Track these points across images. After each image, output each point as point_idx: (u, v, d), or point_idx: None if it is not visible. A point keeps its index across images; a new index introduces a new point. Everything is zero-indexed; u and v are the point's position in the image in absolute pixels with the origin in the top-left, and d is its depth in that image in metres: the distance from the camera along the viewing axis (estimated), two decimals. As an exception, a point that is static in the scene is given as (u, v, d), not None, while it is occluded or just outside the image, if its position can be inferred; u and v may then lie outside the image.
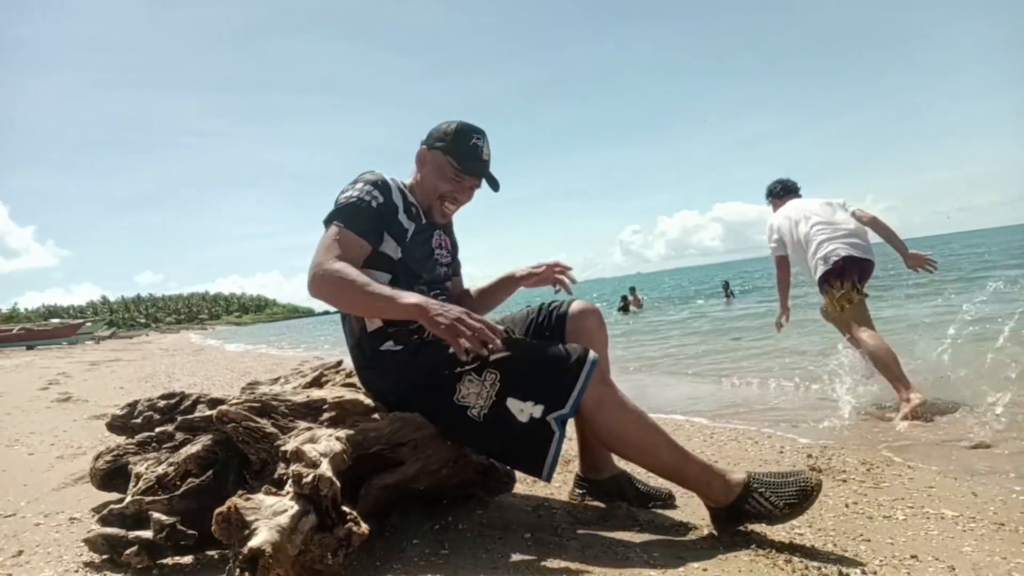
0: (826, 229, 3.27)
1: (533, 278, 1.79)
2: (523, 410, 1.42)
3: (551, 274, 1.76)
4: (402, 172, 1.74)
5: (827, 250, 3.21)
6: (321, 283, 1.44)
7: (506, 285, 1.84)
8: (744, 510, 1.43)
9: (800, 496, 1.40)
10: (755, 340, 6.68)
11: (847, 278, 3.16)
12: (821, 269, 3.22)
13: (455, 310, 1.36)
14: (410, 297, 1.39)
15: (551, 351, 1.46)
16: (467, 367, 1.46)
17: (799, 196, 3.68)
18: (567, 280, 1.76)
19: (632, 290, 15.81)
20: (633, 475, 1.79)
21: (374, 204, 1.54)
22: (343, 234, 1.50)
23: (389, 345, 1.55)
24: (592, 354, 1.45)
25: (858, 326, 3.13)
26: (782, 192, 3.72)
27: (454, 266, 1.84)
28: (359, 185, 1.57)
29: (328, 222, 1.54)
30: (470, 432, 1.47)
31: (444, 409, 1.47)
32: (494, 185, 1.70)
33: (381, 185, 1.58)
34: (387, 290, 1.42)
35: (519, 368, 1.44)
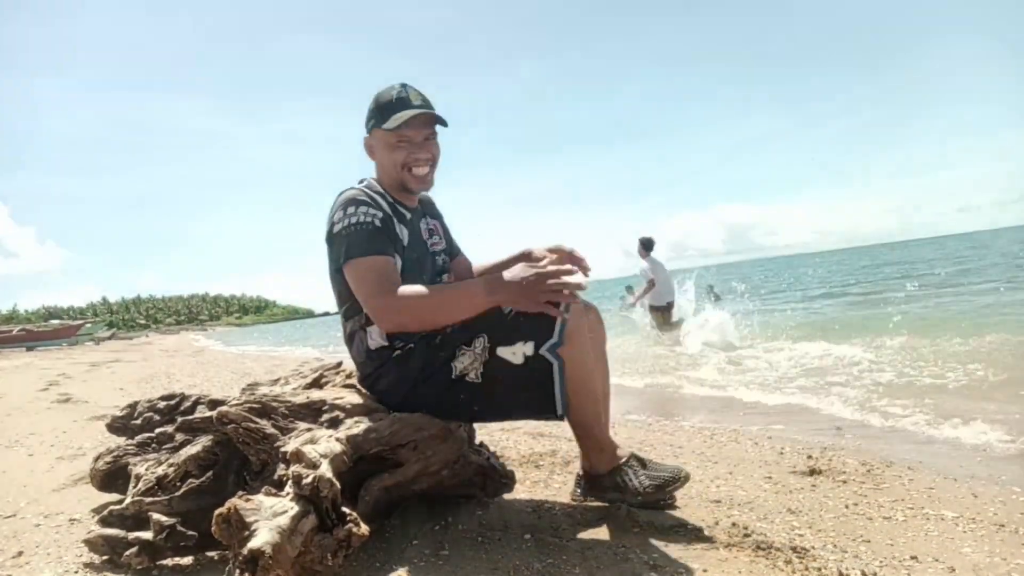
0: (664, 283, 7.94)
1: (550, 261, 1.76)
2: (515, 352, 1.43)
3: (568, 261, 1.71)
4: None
5: (662, 294, 7.90)
6: (397, 317, 1.46)
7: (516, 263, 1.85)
8: (614, 481, 1.56)
9: (668, 481, 1.53)
10: (745, 342, 6.70)
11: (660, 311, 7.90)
12: (657, 302, 7.89)
13: (526, 288, 1.38)
14: (478, 290, 1.42)
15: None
16: (459, 344, 1.47)
17: (653, 247, 7.87)
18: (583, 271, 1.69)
19: (629, 290, 12.89)
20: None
21: (376, 222, 1.51)
22: (372, 262, 1.47)
23: (391, 353, 1.56)
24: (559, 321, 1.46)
25: (665, 324, 7.81)
26: (651, 245, 7.83)
27: (451, 248, 1.84)
28: (351, 209, 1.51)
29: (347, 259, 1.49)
30: (476, 398, 1.47)
31: (446, 388, 1.48)
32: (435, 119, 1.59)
33: (371, 202, 1.54)
34: (458, 294, 1.46)
35: (502, 320, 1.46)
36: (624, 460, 1.56)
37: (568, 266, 1.43)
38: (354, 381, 1.73)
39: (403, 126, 1.55)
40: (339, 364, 1.91)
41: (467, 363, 1.47)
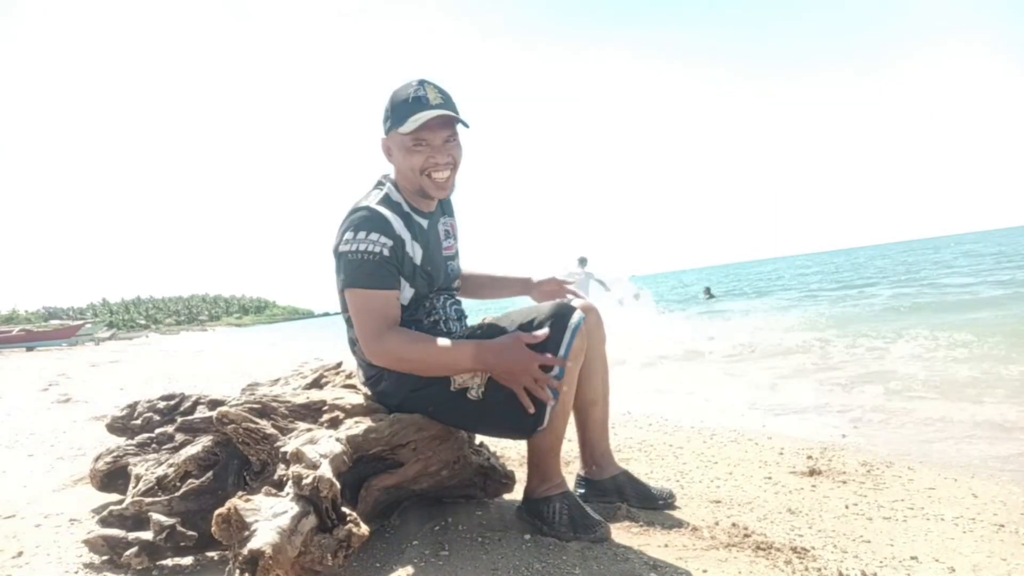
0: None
1: (545, 291, 1.81)
2: None
3: (560, 292, 1.79)
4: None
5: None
6: (384, 359, 1.49)
7: (515, 286, 1.86)
8: (539, 510, 1.52)
9: (587, 528, 1.47)
10: (739, 344, 6.71)
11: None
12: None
13: (515, 362, 1.38)
14: (466, 355, 1.42)
15: (535, 320, 1.46)
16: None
17: (586, 264, 9.08)
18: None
19: (636, 297, 13.78)
20: (634, 476, 1.79)
21: (385, 252, 1.46)
22: (372, 297, 1.47)
23: None
24: (577, 315, 1.45)
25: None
26: (585, 261, 9.07)
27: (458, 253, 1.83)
28: (361, 234, 1.46)
29: (348, 287, 1.48)
30: (471, 413, 1.47)
31: (445, 399, 1.48)
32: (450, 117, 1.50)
33: (381, 225, 1.47)
34: (446, 353, 1.44)
35: None
36: (558, 493, 1.53)
37: (541, 346, 1.40)
38: (354, 381, 1.73)
39: (420, 128, 1.47)
40: (339, 364, 1.91)
41: (466, 379, 1.46)
